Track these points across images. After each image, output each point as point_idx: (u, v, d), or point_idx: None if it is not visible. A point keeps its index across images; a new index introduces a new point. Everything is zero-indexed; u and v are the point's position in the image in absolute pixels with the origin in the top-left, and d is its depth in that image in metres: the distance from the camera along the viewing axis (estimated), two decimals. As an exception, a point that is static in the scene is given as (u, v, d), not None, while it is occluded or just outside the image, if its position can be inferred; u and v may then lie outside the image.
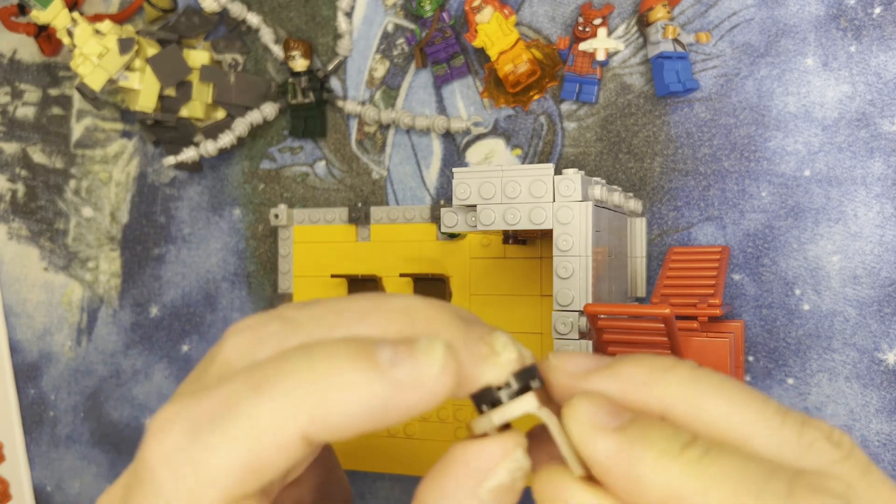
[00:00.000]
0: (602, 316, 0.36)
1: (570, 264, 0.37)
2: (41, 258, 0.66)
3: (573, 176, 0.38)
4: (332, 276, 0.54)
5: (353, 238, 0.55)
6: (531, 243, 0.50)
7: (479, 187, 0.39)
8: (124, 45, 0.54)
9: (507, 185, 0.38)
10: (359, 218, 0.54)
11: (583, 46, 0.50)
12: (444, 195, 0.55)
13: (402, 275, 0.52)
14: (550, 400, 0.25)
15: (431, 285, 0.52)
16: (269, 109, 0.57)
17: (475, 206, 0.39)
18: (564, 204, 0.38)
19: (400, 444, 0.53)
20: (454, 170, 0.40)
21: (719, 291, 0.43)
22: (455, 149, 0.55)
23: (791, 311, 0.47)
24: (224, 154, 0.59)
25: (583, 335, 0.37)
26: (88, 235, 0.64)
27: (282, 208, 0.56)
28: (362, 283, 0.53)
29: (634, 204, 0.48)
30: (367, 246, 0.54)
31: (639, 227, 0.49)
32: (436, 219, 0.52)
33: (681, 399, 0.24)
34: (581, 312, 0.37)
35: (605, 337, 0.37)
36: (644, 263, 0.49)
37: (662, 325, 0.36)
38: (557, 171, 0.39)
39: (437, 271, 0.52)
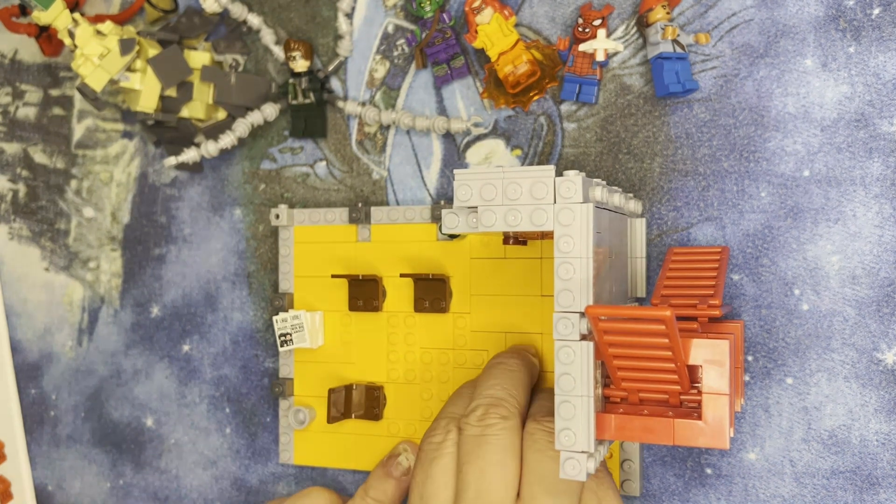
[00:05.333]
0: (603, 318, 0.36)
1: (571, 266, 0.37)
2: (42, 258, 0.66)
3: (574, 178, 0.38)
4: (333, 276, 0.54)
5: (354, 238, 0.55)
6: (531, 244, 0.50)
7: (480, 189, 0.39)
8: (125, 46, 0.54)
9: (509, 187, 0.38)
10: (359, 218, 0.54)
11: (582, 47, 0.50)
12: (444, 195, 0.55)
13: (402, 275, 0.52)
14: None
15: (431, 285, 0.52)
16: (269, 110, 0.57)
17: (476, 207, 0.39)
18: (565, 206, 0.38)
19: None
20: (455, 171, 0.39)
21: (719, 292, 0.43)
22: (455, 149, 0.55)
23: (790, 311, 0.47)
24: (225, 154, 0.59)
25: (584, 337, 0.38)
26: (89, 235, 0.64)
27: (282, 209, 0.56)
28: (362, 284, 0.54)
29: (634, 205, 0.48)
30: (368, 246, 0.54)
31: (638, 228, 0.49)
32: (436, 219, 0.52)
33: None
34: (582, 314, 0.37)
35: (605, 339, 0.37)
36: (644, 264, 0.49)
37: (663, 327, 0.36)
38: (558, 173, 0.39)
39: (438, 271, 0.52)
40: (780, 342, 0.47)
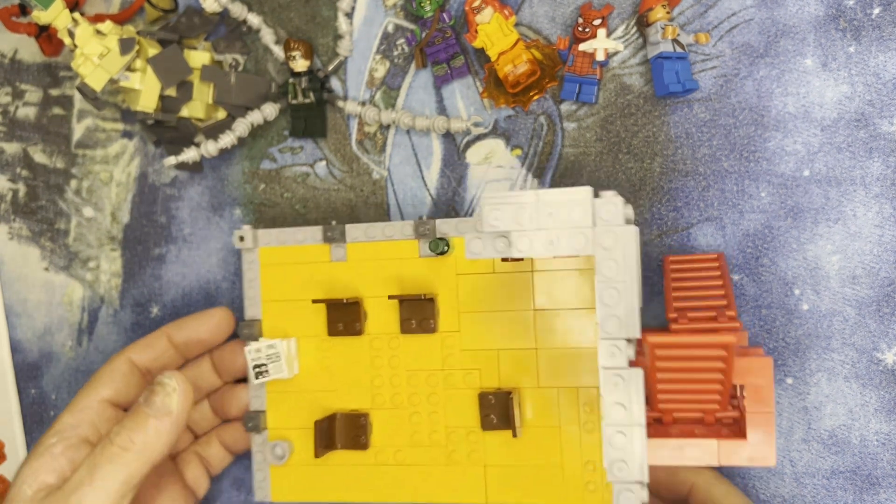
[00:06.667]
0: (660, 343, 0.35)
1: (615, 291, 0.35)
2: (42, 258, 0.66)
3: (614, 199, 0.36)
4: (314, 301, 0.50)
5: (327, 258, 0.52)
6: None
7: (513, 213, 0.36)
8: (125, 46, 0.54)
9: (544, 210, 0.36)
10: (334, 237, 0.51)
11: (582, 47, 0.50)
12: (444, 195, 0.55)
13: (391, 297, 0.49)
14: None
15: (419, 305, 0.49)
16: (269, 110, 0.57)
17: (509, 232, 0.37)
18: (608, 229, 0.36)
19: (391, 471, 0.51)
20: (484, 195, 0.37)
21: (732, 303, 0.42)
22: (455, 149, 0.55)
23: (790, 311, 0.47)
24: (225, 154, 0.59)
25: (631, 363, 0.36)
26: (89, 235, 0.64)
27: (246, 230, 0.53)
28: (343, 307, 0.50)
29: (629, 211, 0.48)
30: (344, 266, 0.51)
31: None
32: (421, 235, 0.50)
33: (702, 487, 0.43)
34: (629, 340, 0.36)
35: (659, 364, 0.36)
36: (638, 271, 0.49)
37: (724, 352, 0.35)
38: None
39: (422, 289, 0.50)
40: (779, 342, 0.47)
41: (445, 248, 0.48)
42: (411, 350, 0.50)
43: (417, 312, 0.49)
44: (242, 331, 0.52)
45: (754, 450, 0.38)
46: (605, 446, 0.35)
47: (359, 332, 0.50)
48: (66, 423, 0.48)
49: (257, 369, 0.50)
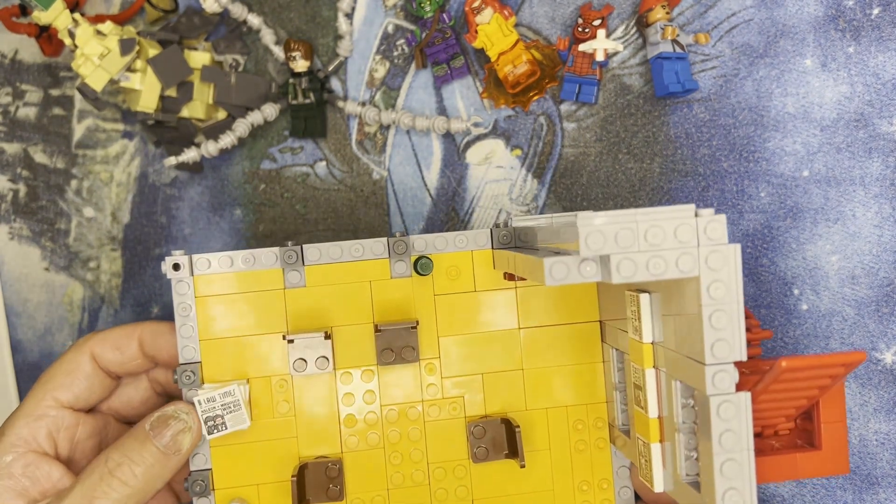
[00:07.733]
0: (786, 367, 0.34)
1: (724, 314, 0.34)
2: (42, 258, 0.66)
3: (719, 218, 0.34)
4: (285, 338, 0.44)
5: (280, 284, 0.46)
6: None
7: (615, 235, 0.34)
8: (125, 46, 0.54)
9: (649, 232, 0.34)
10: (292, 261, 0.45)
11: (582, 47, 0.50)
12: (444, 195, 0.55)
13: (377, 327, 0.45)
14: None
15: (397, 334, 0.45)
16: (269, 110, 0.57)
17: (607, 256, 0.34)
18: (715, 249, 0.34)
19: None
20: (579, 217, 0.34)
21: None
22: (455, 149, 0.55)
23: (789, 311, 0.47)
24: (225, 154, 0.59)
25: (738, 388, 0.35)
26: (89, 235, 0.64)
27: (180, 255, 0.46)
28: (309, 340, 0.44)
29: None
30: (301, 293, 0.46)
31: None
32: (396, 254, 0.46)
33: None
34: (734, 364, 0.35)
35: (775, 387, 0.35)
36: None
37: (844, 370, 0.34)
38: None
39: (396, 314, 0.46)
40: (778, 342, 0.47)
41: (431, 267, 0.46)
42: (387, 382, 0.46)
43: (397, 341, 0.45)
44: (182, 379, 0.45)
45: (830, 460, 0.37)
46: (715, 475, 0.34)
47: (326, 369, 0.45)
48: (21, 436, 0.45)
49: (211, 423, 0.44)
